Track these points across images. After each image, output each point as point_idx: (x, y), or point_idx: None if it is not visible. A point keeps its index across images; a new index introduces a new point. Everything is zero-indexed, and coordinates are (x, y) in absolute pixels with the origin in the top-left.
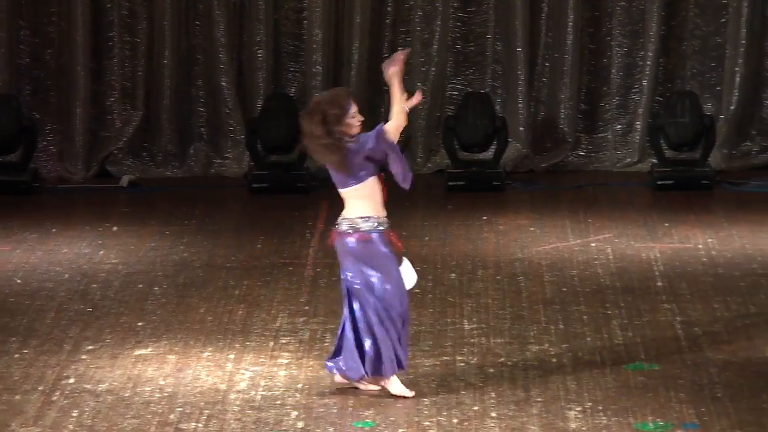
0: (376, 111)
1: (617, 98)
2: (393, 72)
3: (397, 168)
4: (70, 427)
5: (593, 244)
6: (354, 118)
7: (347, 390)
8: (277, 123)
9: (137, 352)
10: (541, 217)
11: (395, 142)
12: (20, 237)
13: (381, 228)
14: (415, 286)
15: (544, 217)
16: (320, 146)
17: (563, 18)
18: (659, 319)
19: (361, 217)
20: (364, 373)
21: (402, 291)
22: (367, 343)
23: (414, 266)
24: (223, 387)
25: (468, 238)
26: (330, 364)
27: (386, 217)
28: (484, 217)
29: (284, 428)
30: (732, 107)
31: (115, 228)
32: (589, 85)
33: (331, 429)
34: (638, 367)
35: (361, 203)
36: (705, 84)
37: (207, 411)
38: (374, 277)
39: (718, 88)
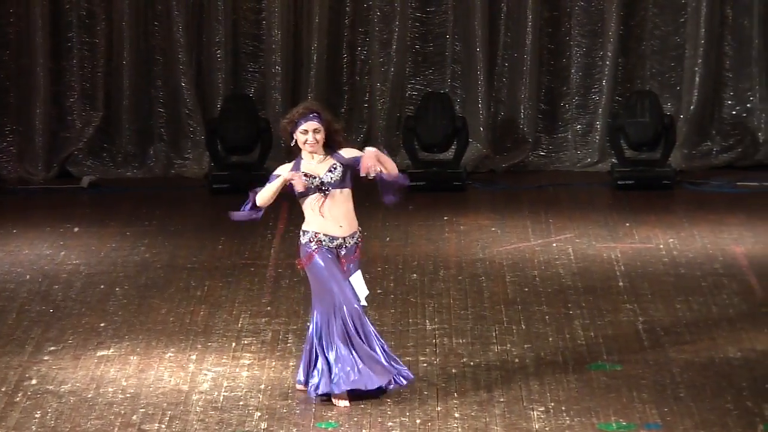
0: (335, 111)
1: (577, 98)
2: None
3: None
4: (33, 428)
5: (554, 245)
6: (305, 134)
7: (310, 391)
8: (237, 123)
9: (100, 353)
10: (502, 217)
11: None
12: None
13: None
14: (367, 298)
15: (505, 218)
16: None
17: (522, 18)
18: (621, 319)
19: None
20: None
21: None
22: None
23: (376, 266)
24: (185, 388)
25: (429, 239)
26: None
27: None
28: (445, 218)
29: (247, 429)
30: (692, 107)
31: (76, 229)
32: (549, 85)
33: (294, 430)
34: (601, 368)
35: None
36: (665, 84)
37: (170, 412)
38: None
39: (677, 87)
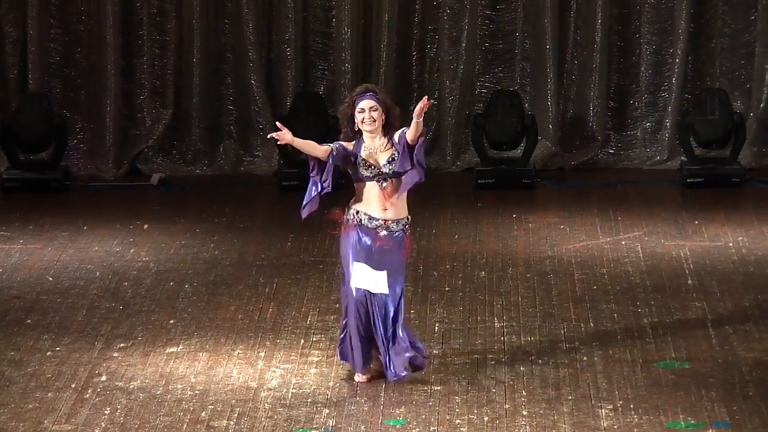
0: (404, 108)
1: (646, 96)
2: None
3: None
4: (103, 424)
5: (623, 242)
6: (362, 113)
7: (378, 388)
8: (307, 121)
9: (169, 349)
10: (570, 214)
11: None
12: (51, 235)
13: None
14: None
15: (574, 215)
16: None
17: (592, 16)
18: (690, 317)
19: None
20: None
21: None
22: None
23: (444, 264)
24: (254, 385)
25: (498, 236)
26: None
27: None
28: (514, 215)
29: (315, 426)
30: (762, 104)
31: (145, 226)
32: (618, 82)
33: (362, 427)
34: (669, 366)
35: None
36: (734, 81)
37: (238, 408)
38: None
39: (747, 85)
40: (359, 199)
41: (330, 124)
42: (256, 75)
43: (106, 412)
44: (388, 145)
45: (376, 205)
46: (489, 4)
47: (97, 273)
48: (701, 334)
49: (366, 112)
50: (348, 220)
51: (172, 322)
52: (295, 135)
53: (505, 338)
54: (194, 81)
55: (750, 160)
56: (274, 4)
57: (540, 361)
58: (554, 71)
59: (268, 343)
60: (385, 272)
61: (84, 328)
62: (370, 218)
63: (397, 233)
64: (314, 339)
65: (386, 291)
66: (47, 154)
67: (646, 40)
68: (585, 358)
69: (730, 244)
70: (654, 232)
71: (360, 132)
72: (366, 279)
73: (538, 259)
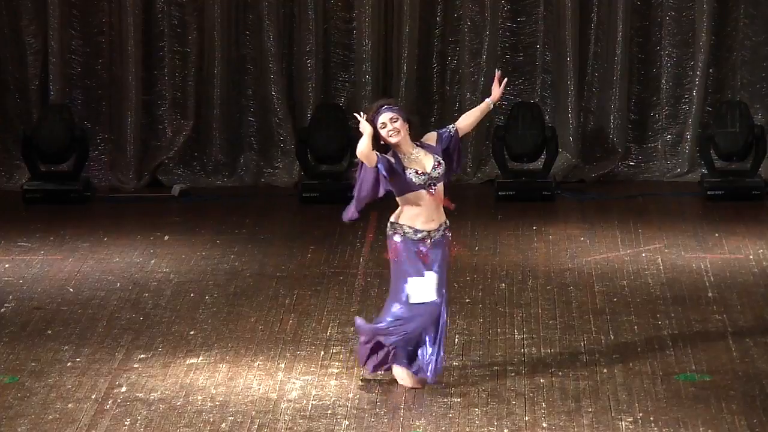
0: (425, 121)
1: (667, 108)
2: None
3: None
4: None
5: (644, 254)
6: (384, 127)
7: (398, 399)
8: (327, 133)
9: (189, 361)
10: (591, 227)
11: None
12: (72, 246)
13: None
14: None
15: (595, 227)
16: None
17: (612, 28)
18: (710, 330)
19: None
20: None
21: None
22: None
23: (465, 276)
24: (274, 396)
25: (518, 248)
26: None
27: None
28: (534, 227)
29: None
30: None
31: (166, 237)
32: (639, 95)
33: None
34: (689, 378)
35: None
36: (755, 94)
37: (258, 420)
38: None
39: None
40: (402, 214)
41: (350, 135)
42: (276, 86)
43: (126, 423)
44: (425, 151)
45: (422, 216)
46: (510, 17)
47: (118, 284)
48: (722, 347)
49: (388, 125)
50: (394, 237)
51: (192, 333)
52: (315, 147)
53: (525, 350)
54: (215, 92)
55: None
56: (296, 15)
57: (560, 373)
58: (575, 83)
59: (288, 354)
60: (434, 273)
61: (104, 339)
62: (415, 231)
63: (438, 239)
64: (334, 351)
65: (435, 297)
66: (68, 165)
67: (666, 53)
68: (605, 371)
69: (751, 257)
70: (674, 245)
71: (389, 148)
72: (421, 291)
73: (559, 271)
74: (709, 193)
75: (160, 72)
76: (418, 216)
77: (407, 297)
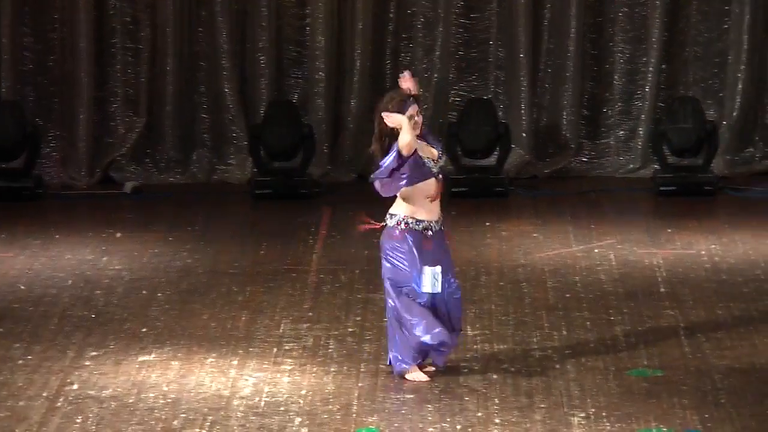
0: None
1: (620, 104)
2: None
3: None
4: None
5: (596, 250)
6: (410, 120)
7: (350, 396)
8: (280, 129)
9: (141, 358)
10: (544, 223)
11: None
12: (24, 243)
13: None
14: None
15: (547, 223)
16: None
17: (565, 24)
18: (662, 325)
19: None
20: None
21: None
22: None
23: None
24: (226, 393)
25: (471, 245)
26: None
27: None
28: (487, 223)
29: None
30: (734, 113)
31: (118, 234)
32: (592, 91)
33: None
34: (642, 373)
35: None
36: (707, 90)
37: (210, 417)
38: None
39: (720, 94)
40: (404, 205)
41: (303, 132)
42: (229, 83)
43: (77, 420)
44: (425, 143)
45: (426, 206)
46: (463, 13)
47: (70, 281)
48: (674, 342)
49: (415, 117)
50: (395, 228)
51: (144, 330)
52: (268, 144)
53: (478, 346)
54: (168, 89)
55: (722, 169)
56: (249, 12)
57: (513, 369)
58: (528, 80)
59: (240, 351)
60: (440, 267)
61: (56, 336)
62: (417, 221)
63: (438, 230)
64: (287, 347)
65: (440, 290)
66: (20, 163)
67: (619, 49)
68: (558, 366)
69: (703, 252)
70: (627, 240)
71: (396, 138)
72: (432, 281)
73: (511, 267)
74: (661, 188)
75: (112, 69)
76: (421, 207)
77: (421, 286)
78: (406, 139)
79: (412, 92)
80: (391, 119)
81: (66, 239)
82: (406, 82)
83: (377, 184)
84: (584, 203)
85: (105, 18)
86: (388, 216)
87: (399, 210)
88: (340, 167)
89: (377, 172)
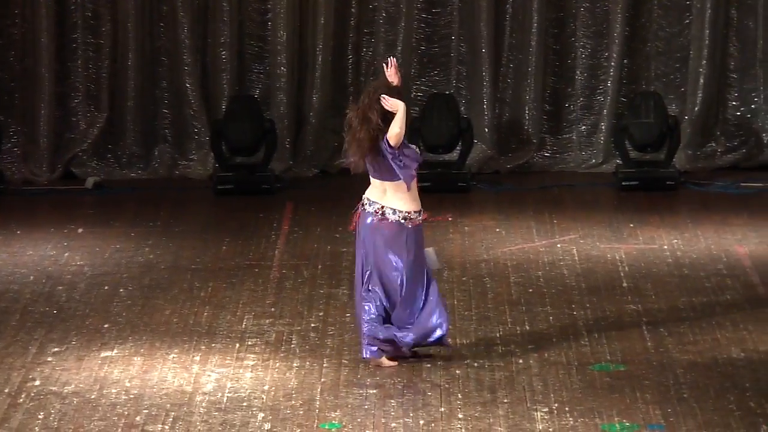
0: (340, 112)
1: (582, 99)
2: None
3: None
4: (36, 429)
5: (559, 245)
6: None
7: (313, 391)
8: (242, 124)
9: (103, 354)
10: (506, 218)
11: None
12: None
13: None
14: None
15: (510, 218)
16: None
17: (527, 19)
18: (625, 320)
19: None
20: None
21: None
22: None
23: None
24: (189, 389)
25: (434, 240)
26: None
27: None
28: (450, 218)
29: (251, 430)
30: (696, 108)
31: (80, 230)
32: (554, 86)
33: (297, 430)
34: (604, 368)
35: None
36: (669, 85)
37: (173, 413)
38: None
39: (682, 88)
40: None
41: (265, 127)
42: (191, 78)
43: (39, 416)
44: None
45: (410, 196)
46: (425, 8)
47: (31, 277)
48: (636, 337)
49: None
50: (377, 214)
51: (106, 326)
52: (230, 139)
53: None
54: (129, 84)
55: (684, 163)
56: (210, 7)
57: (475, 364)
58: (490, 74)
59: (203, 347)
60: (431, 248)
61: (18, 332)
62: (395, 211)
63: (417, 219)
64: (249, 343)
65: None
66: None
67: (581, 44)
68: (520, 361)
69: (665, 247)
70: (589, 235)
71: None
72: (434, 258)
73: (474, 262)
74: (623, 183)
75: (73, 64)
76: (404, 196)
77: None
78: (395, 131)
79: (395, 83)
80: (390, 103)
81: (27, 235)
82: (393, 74)
83: (411, 175)
84: (547, 198)
85: (66, 13)
86: (368, 204)
87: (374, 197)
88: (302, 162)
89: (409, 165)
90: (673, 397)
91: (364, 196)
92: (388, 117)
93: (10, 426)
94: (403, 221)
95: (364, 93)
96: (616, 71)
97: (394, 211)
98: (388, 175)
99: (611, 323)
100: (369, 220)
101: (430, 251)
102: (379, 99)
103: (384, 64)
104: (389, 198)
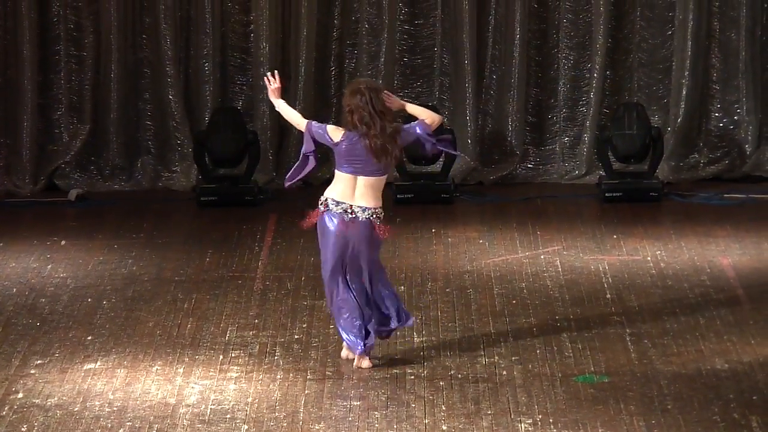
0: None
1: (565, 111)
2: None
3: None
4: None
5: (542, 257)
6: None
7: (297, 403)
8: (225, 136)
9: (86, 366)
10: (490, 229)
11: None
12: None
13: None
14: None
15: (493, 230)
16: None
17: (510, 31)
18: (609, 332)
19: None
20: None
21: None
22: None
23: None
24: (172, 401)
25: (417, 251)
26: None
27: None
28: (433, 230)
29: None
30: (679, 119)
31: (63, 242)
32: (537, 97)
33: None
34: (588, 380)
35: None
36: (652, 96)
37: (156, 425)
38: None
39: (665, 100)
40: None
41: (248, 139)
42: (173, 90)
43: (23, 429)
44: None
45: (368, 192)
46: (407, 20)
47: (14, 289)
48: (620, 348)
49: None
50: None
51: (89, 338)
52: (213, 151)
53: (425, 353)
54: (112, 96)
55: (668, 175)
56: (192, 19)
57: (459, 375)
58: (473, 86)
59: (186, 359)
60: None
61: (0, 344)
62: (364, 209)
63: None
64: (233, 355)
65: None
66: None
67: (564, 55)
68: (504, 373)
69: (649, 258)
70: (573, 247)
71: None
72: None
73: (458, 273)
74: (606, 195)
75: (56, 76)
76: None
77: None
78: (431, 115)
79: (396, 108)
80: (392, 100)
81: (10, 247)
82: (393, 103)
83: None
84: (530, 209)
85: (48, 25)
86: (379, 211)
87: (334, 196)
88: (285, 174)
89: (442, 138)
90: (657, 408)
91: (324, 196)
92: (386, 114)
93: None
94: (372, 218)
95: (357, 92)
96: (599, 82)
97: (364, 210)
98: (376, 170)
99: (595, 335)
100: (335, 222)
101: None
102: (382, 96)
103: (266, 79)
104: (359, 196)
